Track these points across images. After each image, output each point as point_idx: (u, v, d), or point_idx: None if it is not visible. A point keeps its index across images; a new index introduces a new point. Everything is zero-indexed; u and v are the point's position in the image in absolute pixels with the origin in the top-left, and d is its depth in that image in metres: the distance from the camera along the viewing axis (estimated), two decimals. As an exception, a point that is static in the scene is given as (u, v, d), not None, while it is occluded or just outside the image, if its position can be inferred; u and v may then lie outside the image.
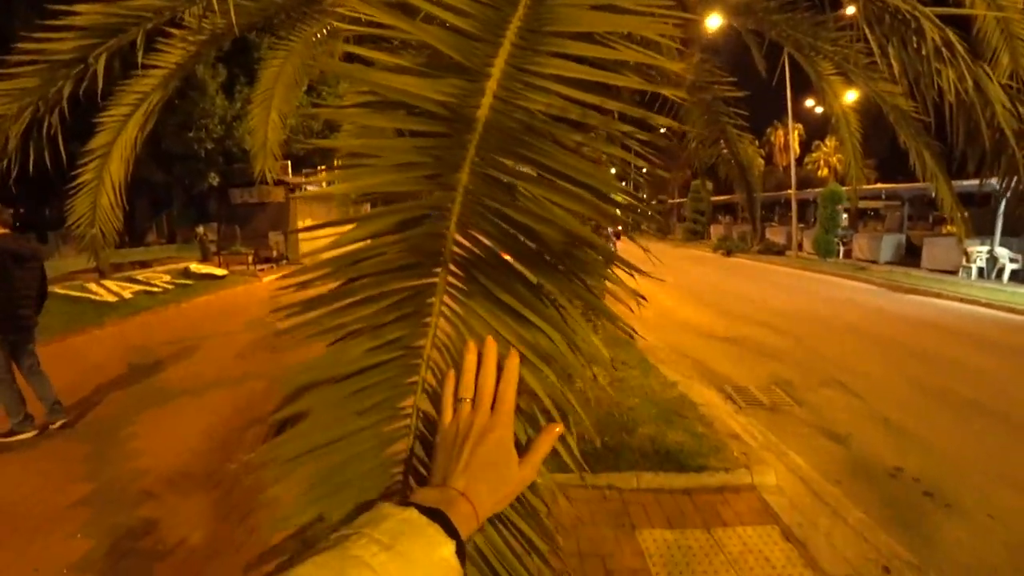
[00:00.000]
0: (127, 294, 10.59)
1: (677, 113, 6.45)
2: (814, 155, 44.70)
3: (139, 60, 2.63)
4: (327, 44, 5.04)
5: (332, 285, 0.78)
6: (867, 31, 2.85)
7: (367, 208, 0.90)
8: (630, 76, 1.05)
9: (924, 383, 5.88)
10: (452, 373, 0.70)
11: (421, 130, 0.88)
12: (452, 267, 0.76)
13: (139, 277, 12.14)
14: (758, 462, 3.82)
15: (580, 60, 0.99)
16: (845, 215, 20.33)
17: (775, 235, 23.97)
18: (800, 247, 21.22)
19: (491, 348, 0.69)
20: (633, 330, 0.88)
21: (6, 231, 4.25)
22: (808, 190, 24.15)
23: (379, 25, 0.97)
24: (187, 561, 2.75)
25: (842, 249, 19.48)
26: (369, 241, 0.81)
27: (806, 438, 4.47)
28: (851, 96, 5.72)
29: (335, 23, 4.44)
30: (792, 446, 4.23)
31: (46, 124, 2.37)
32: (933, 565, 2.85)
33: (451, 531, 0.52)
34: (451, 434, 0.65)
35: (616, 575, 2.69)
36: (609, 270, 0.83)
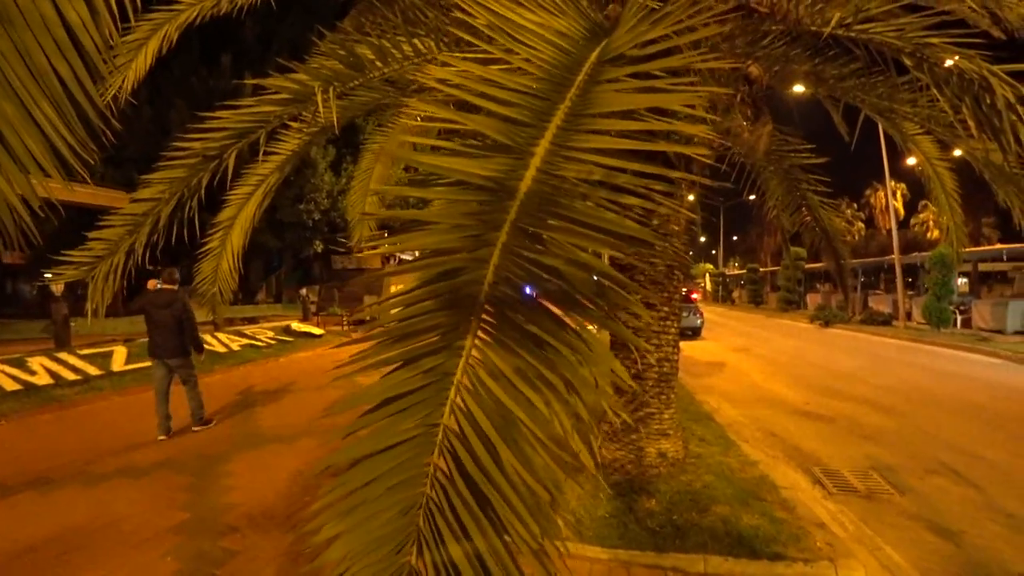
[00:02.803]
0: (235, 346, 11.80)
1: (755, 181, 6.44)
2: (921, 216, 40.84)
3: (261, 151, 3.20)
4: (408, 131, 5.69)
5: (388, 327, 0.97)
6: (936, 92, 2.81)
7: (421, 263, 1.09)
8: (658, 142, 1.22)
9: (1064, 478, 5.03)
10: None
11: (472, 200, 1.09)
12: (487, 306, 0.91)
13: (247, 332, 13.51)
14: (846, 555, 3.44)
15: (613, 133, 1.18)
16: (964, 280, 18.27)
17: (879, 304, 21.97)
18: (909, 316, 19.22)
19: None
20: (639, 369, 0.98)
21: (167, 286, 5.76)
22: (915, 254, 22.13)
23: (443, 119, 1.23)
24: (258, 596, 2.96)
25: (959, 318, 17.39)
26: (420, 290, 1.00)
27: (908, 531, 3.96)
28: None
29: (405, 119, 5.06)
30: (889, 540, 3.77)
31: (187, 206, 2.95)
32: None
33: None
34: None
35: (672, 663, 2.52)
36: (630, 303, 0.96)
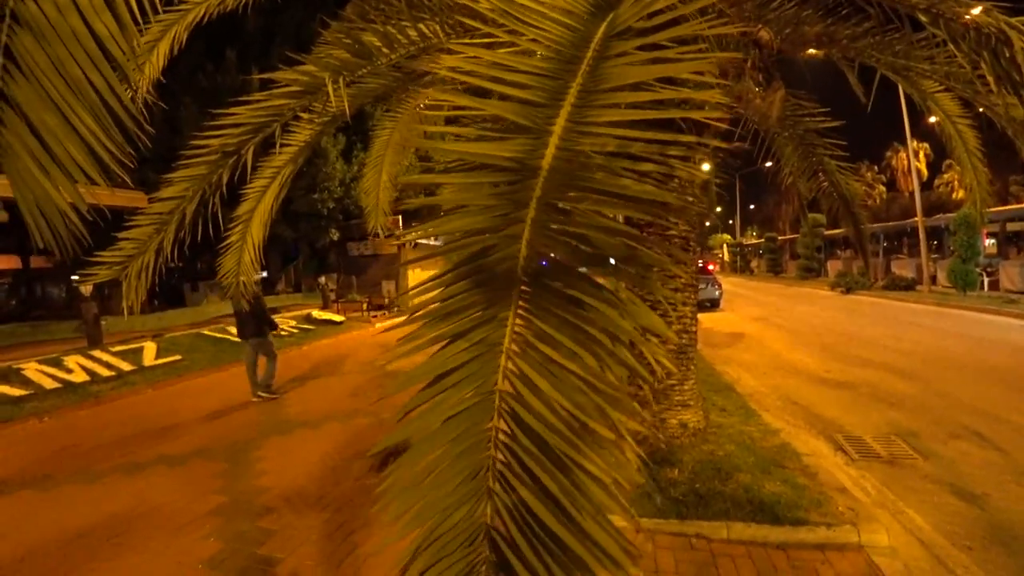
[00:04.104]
0: (260, 336, 12.05)
1: (770, 148, 6.33)
2: (945, 176, 39.27)
3: (277, 144, 3.25)
4: (424, 121, 5.69)
5: (433, 307, 1.03)
6: (953, 48, 2.73)
7: (456, 245, 1.14)
8: (670, 110, 1.25)
9: (1094, 438, 4.96)
10: None
11: (497, 181, 1.13)
12: (524, 277, 0.96)
13: (270, 322, 13.77)
14: (868, 519, 3.47)
15: (627, 105, 1.21)
16: (991, 241, 17.76)
17: (902, 268, 21.51)
18: (934, 280, 18.81)
19: None
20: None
21: None
22: (939, 216, 21.55)
23: (463, 107, 1.27)
24: (296, 569, 3.11)
25: (986, 280, 16.96)
26: (455, 272, 1.05)
27: (931, 495, 3.97)
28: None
29: (423, 110, 5.07)
30: (912, 504, 3.79)
31: (210, 203, 3.03)
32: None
33: None
34: None
35: (697, 624, 2.60)
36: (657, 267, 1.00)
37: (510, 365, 0.90)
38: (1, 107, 0.80)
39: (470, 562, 0.80)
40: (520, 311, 0.94)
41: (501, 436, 0.86)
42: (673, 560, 3.16)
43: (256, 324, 7.24)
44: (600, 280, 0.96)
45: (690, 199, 4.47)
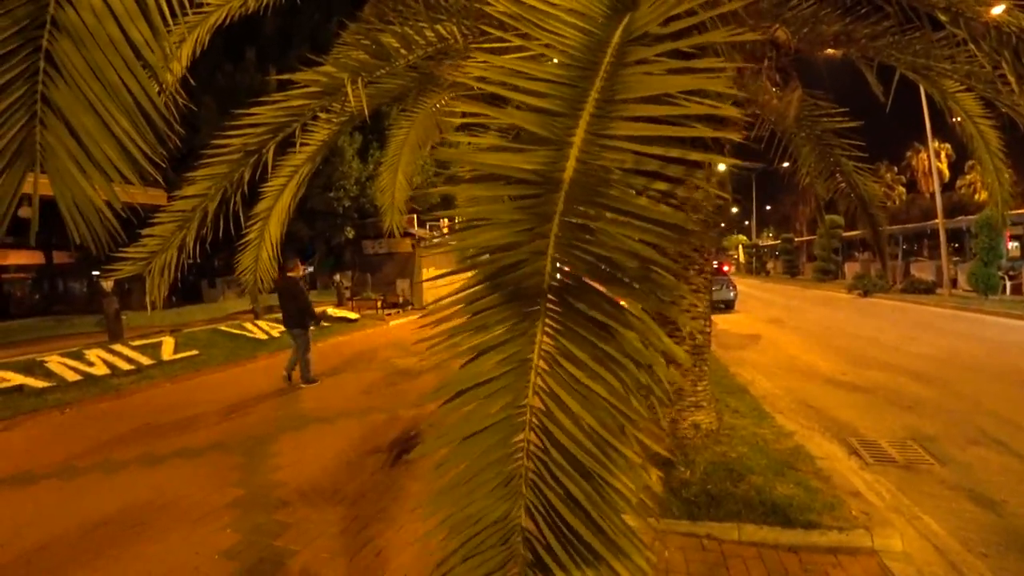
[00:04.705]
0: (275, 333, 12.21)
1: (787, 148, 6.27)
2: (968, 177, 38.21)
3: (297, 143, 3.31)
4: (442, 127, 5.73)
5: (462, 320, 1.05)
6: (974, 47, 2.71)
7: (481, 259, 1.16)
8: (692, 125, 1.25)
9: (1118, 446, 4.85)
10: None
11: (518, 194, 1.15)
12: (550, 295, 0.98)
13: (286, 318, 13.93)
14: (882, 524, 3.44)
15: (647, 119, 1.21)
16: (1014, 244, 17.37)
17: (922, 271, 21.13)
18: (954, 284, 18.45)
19: None
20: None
21: (290, 274, 7.68)
22: (960, 218, 21.12)
23: (479, 114, 1.28)
24: (311, 562, 3.17)
25: (1008, 284, 16.59)
26: (483, 285, 1.07)
27: (947, 501, 3.91)
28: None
29: (443, 119, 5.10)
30: (928, 509, 3.74)
31: (231, 201, 3.10)
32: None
33: None
34: None
35: (707, 624, 2.60)
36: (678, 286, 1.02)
37: (539, 382, 0.93)
38: (43, 109, 0.85)
39: (504, 558, 0.84)
40: (547, 328, 0.96)
41: (532, 448, 0.90)
42: (684, 560, 3.15)
43: (296, 317, 7.74)
44: (619, 299, 0.98)
45: (709, 208, 4.47)
